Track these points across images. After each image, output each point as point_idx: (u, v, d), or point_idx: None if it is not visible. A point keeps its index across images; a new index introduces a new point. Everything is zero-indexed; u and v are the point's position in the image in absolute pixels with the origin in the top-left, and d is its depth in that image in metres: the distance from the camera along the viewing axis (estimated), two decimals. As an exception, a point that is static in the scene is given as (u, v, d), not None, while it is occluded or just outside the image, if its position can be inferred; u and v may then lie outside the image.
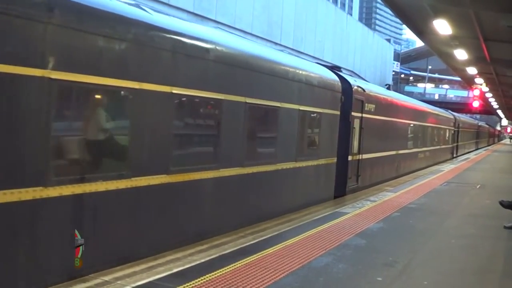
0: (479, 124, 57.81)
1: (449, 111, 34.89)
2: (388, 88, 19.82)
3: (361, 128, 13.78)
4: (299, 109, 10.26)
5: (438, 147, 27.91)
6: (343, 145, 12.72)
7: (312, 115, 11.34)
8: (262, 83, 8.99)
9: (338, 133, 12.42)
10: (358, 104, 13.60)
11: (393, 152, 18.01)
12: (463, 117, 42.22)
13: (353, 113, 13.14)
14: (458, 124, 35.19)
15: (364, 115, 14.00)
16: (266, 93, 9.06)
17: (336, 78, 12.56)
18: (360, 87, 13.92)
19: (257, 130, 9.36)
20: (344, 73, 14.35)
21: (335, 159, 12.40)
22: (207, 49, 7.33)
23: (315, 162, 11.28)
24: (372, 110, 14.81)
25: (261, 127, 9.60)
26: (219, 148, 7.78)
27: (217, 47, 7.64)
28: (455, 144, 34.47)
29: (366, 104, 14.20)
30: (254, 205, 8.90)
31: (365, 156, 14.27)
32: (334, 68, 13.76)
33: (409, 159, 20.79)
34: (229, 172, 7.98)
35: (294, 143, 10.31)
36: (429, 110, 26.07)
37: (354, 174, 13.60)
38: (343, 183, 12.92)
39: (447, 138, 31.26)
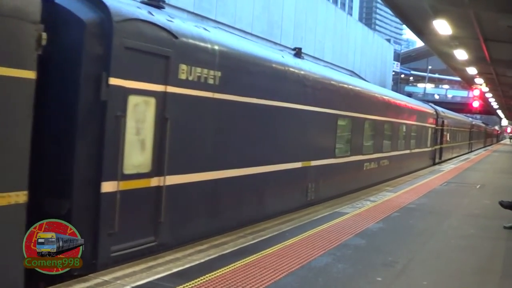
0: (473, 122, 50.74)
1: (431, 104, 28.01)
2: (298, 55, 11.20)
3: (162, 119, 6.49)
4: None
5: (407, 151, 20.04)
6: (79, 157, 5.69)
7: None
8: None
9: (35, 128, 4.70)
10: (144, 61, 6.28)
11: (295, 165, 10.26)
12: (450, 113, 33.55)
13: (115, 82, 5.82)
14: (442, 121, 27.92)
15: (174, 89, 6.66)
16: None
17: None
18: (154, 25, 6.46)
19: None
20: None
21: None
22: None
23: None
24: (214, 82, 7.40)
25: None
26: None
27: None
28: (437, 147, 27.07)
29: (184, 68, 6.83)
30: None
31: (181, 178, 6.89)
32: None
33: (344, 172, 13.08)
34: None
35: None
36: (389, 99, 17.85)
37: (142, 220, 6.33)
38: (90, 246, 5.54)
39: (423, 139, 23.56)
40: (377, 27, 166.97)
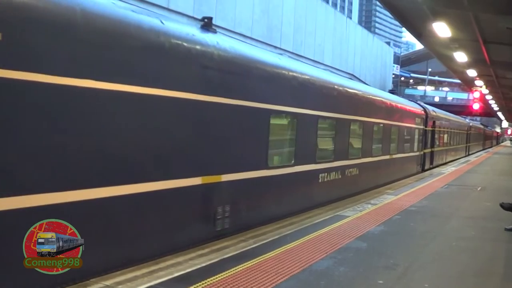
0: (471, 124, 48.02)
1: (419, 102, 25.02)
2: (207, 27, 7.89)
3: None
4: None
5: (385, 157, 16.60)
6: None
7: None
8: None
9: None
10: None
11: (188, 182, 6.97)
12: (443, 113, 29.39)
13: None
14: (433, 122, 24.62)
15: None
16: None
17: None
18: None
19: None
20: None
21: None
22: None
23: None
24: None
25: None
26: None
27: None
28: (427, 151, 23.67)
29: None
30: None
31: None
32: None
33: (284, 188, 9.75)
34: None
35: None
36: (357, 94, 14.20)
37: None
38: None
39: (409, 143, 19.98)
40: (376, 30, 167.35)
